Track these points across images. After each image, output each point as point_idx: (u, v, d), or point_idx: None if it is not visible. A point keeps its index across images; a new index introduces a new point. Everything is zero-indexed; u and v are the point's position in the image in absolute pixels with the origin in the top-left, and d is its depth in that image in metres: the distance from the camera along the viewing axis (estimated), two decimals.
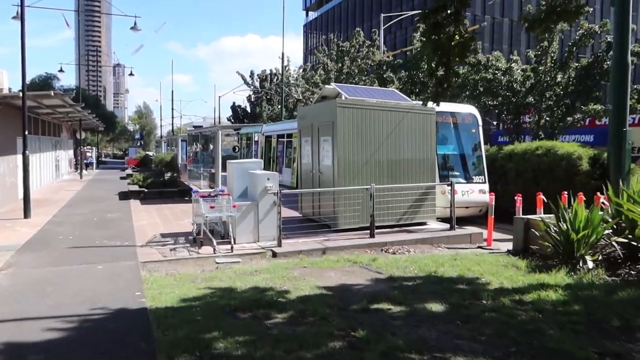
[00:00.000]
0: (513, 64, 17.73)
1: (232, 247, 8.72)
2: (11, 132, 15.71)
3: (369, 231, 9.95)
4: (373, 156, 10.69)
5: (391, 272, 7.19)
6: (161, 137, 64.72)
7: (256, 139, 28.19)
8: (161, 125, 78.94)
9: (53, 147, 25.23)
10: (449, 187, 12.14)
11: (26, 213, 12.52)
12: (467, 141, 13.94)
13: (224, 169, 16.57)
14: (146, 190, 17.26)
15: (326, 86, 12.01)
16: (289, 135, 22.57)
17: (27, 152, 12.49)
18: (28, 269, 7.55)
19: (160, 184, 18.48)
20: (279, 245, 9.02)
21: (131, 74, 46.59)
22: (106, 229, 11.07)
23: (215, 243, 8.72)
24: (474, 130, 14.04)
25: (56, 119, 25.04)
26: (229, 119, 51.26)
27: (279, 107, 41.98)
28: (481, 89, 19.34)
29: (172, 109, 58.17)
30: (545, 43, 16.39)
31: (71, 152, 34.77)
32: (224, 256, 8.46)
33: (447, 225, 10.89)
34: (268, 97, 43.26)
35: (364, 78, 28.74)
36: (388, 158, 10.84)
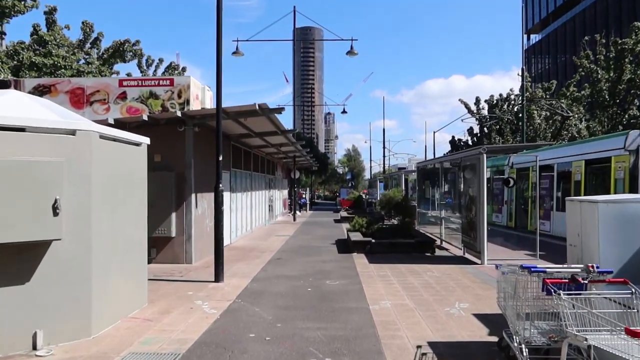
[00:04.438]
0: None
1: None
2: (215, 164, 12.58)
3: None
4: None
5: None
6: (371, 177, 62.03)
7: (489, 174, 22.02)
8: (370, 167, 77.20)
9: (267, 186, 22.80)
10: None
11: (217, 275, 8.63)
12: None
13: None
14: (373, 240, 12.50)
15: None
16: (561, 167, 16.18)
17: (220, 186, 8.62)
18: None
19: (389, 231, 13.61)
20: None
21: (344, 112, 45.04)
22: (326, 321, 6.27)
23: None
24: None
25: (270, 155, 22.69)
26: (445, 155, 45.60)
27: (512, 137, 34.88)
28: None
29: (384, 147, 55.06)
30: None
31: (285, 192, 33.04)
32: None
33: None
34: (498, 126, 36.42)
35: None
36: None
